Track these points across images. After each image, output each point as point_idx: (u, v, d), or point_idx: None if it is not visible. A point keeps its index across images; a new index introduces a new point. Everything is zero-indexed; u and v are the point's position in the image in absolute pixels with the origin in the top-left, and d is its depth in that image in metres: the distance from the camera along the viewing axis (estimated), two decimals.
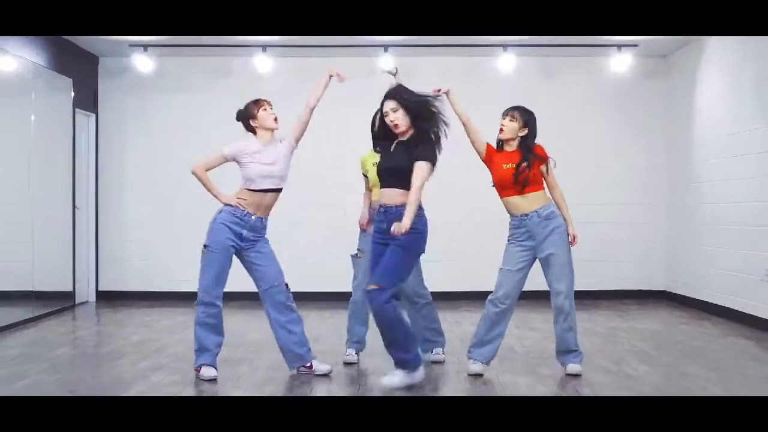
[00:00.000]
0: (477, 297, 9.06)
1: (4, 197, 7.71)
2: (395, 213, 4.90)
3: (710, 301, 8.49)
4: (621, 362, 5.95)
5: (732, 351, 6.42)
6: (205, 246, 5.38)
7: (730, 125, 8.05)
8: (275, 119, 5.53)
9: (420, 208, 4.95)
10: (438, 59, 9.61)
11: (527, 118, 5.48)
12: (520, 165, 5.36)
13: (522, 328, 7.23)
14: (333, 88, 9.65)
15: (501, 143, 5.55)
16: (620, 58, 9.35)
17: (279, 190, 5.48)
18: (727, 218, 8.12)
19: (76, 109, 9.26)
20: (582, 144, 9.49)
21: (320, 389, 5.17)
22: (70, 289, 9.14)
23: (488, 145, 5.57)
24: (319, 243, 9.41)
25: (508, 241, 5.56)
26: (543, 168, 5.48)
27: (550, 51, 9.47)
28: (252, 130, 5.52)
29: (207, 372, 5.36)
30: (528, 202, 5.42)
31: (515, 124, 5.45)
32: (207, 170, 5.41)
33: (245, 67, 9.59)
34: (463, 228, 9.46)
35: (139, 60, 9.34)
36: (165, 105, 9.81)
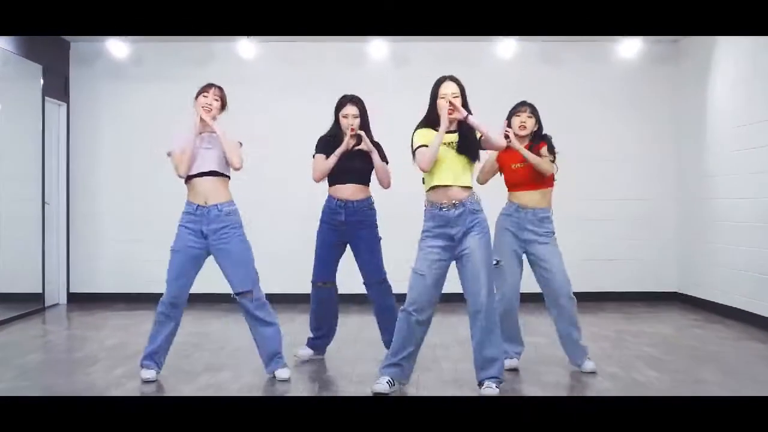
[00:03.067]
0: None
1: None
2: (355, 206, 5.89)
3: (724, 303, 8.51)
4: (630, 368, 5.96)
5: (747, 355, 6.44)
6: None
7: (744, 116, 8.06)
8: (206, 106, 5.59)
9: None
10: (432, 45, 9.59)
11: (537, 113, 5.86)
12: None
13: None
14: (324, 75, 9.71)
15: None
16: (628, 42, 9.38)
17: (215, 174, 5.52)
18: (741, 214, 8.14)
19: (46, 98, 9.20)
20: (586, 135, 9.48)
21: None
22: (39, 291, 9.05)
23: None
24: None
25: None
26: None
27: (551, 36, 9.45)
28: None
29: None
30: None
31: (533, 120, 5.79)
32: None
33: (228, 54, 9.57)
34: None
35: (113, 46, 9.31)
36: (142, 94, 9.76)
